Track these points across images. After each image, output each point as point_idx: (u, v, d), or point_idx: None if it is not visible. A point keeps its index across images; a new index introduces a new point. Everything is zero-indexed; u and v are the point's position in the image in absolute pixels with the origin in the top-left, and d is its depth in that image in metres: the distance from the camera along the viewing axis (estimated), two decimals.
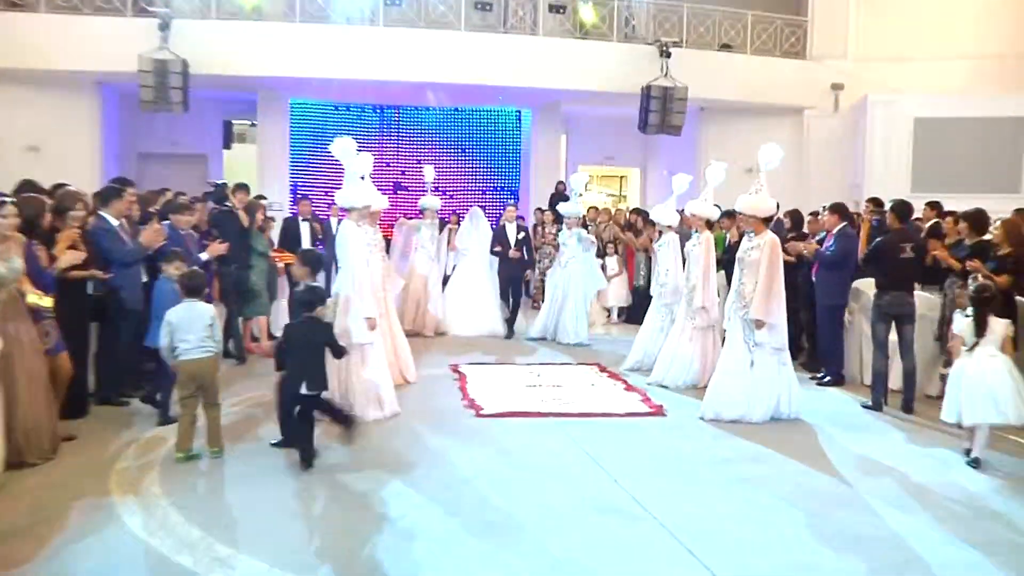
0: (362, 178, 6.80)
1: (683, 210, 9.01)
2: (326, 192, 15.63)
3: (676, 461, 5.78)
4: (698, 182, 9.35)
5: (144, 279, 6.95)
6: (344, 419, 5.56)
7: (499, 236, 11.09)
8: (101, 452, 5.60)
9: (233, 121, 18.13)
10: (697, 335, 8.13)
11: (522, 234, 11.12)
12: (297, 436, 5.40)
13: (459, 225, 11.88)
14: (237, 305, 8.77)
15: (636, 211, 14.02)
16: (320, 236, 10.86)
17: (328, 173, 16.71)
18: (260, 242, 9.20)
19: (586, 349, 10.14)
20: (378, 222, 8.20)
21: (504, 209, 11.65)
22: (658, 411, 7.12)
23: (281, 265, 9.74)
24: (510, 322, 11.01)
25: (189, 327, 5.50)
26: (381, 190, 8.76)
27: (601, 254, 12.03)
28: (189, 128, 15.86)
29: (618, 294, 12.70)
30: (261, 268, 9.17)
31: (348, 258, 6.49)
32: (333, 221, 11.18)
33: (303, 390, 5.34)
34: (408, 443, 6.02)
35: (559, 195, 15.05)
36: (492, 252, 11.11)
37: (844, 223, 8.39)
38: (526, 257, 11.14)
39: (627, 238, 12.92)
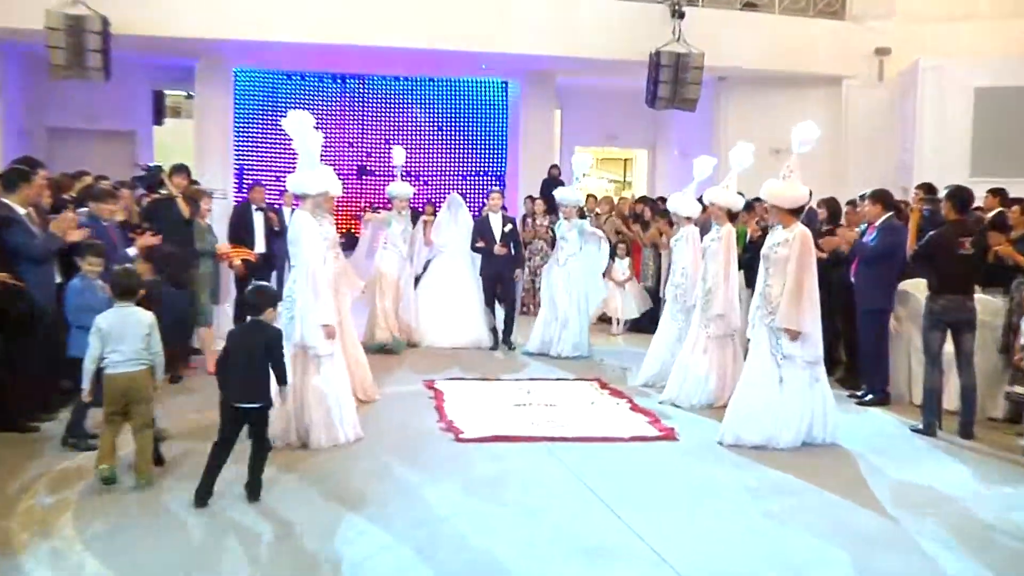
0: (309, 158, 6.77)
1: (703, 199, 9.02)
2: (277, 177, 15.63)
3: (689, 493, 5.80)
4: (719, 166, 9.38)
5: (58, 279, 6.93)
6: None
7: (481, 229, 11.05)
8: (2, 488, 5.55)
9: (166, 92, 18.10)
10: (713, 346, 8.17)
11: (509, 226, 11.09)
12: (212, 467, 5.35)
13: (435, 216, 11.87)
14: None
15: (643, 200, 14.08)
16: (276, 228, 10.85)
17: (279, 154, 16.72)
18: (205, 237, 9.15)
19: (585, 362, 10.18)
20: (333, 212, 8.17)
21: (488, 197, 11.63)
22: (669, 435, 7.15)
23: (239, 262, 9.70)
24: (502, 331, 10.94)
25: (122, 336, 5.49)
26: (343, 176, 8.75)
27: (611, 255, 11.96)
28: (112, 100, 15.80)
29: (631, 304, 12.57)
30: (206, 269, 9.13)
31: (303, 254, 6.50)
32: (286, 211, 11.18)
33: (242, 403, 5.34)
34: (373, 473, 6.01)
35: (552, 180, 15.09)
36: (474, 248, 11.05)
37: (889, 213, 8.42)
38: (514, 253, 11.12)
39: (633, 232, 12.94)
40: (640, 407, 8.03)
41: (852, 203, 9.92)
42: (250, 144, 17.28)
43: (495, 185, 16.55)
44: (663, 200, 12.19)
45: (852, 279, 8.53)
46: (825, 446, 6.90)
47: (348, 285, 8.23)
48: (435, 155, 18.50)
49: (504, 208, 11.59)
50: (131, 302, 5.64)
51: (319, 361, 6.53)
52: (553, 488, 5.82)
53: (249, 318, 5.57)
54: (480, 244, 10.99)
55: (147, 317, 5.63)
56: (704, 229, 8.95)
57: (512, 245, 11.05)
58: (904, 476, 6.27)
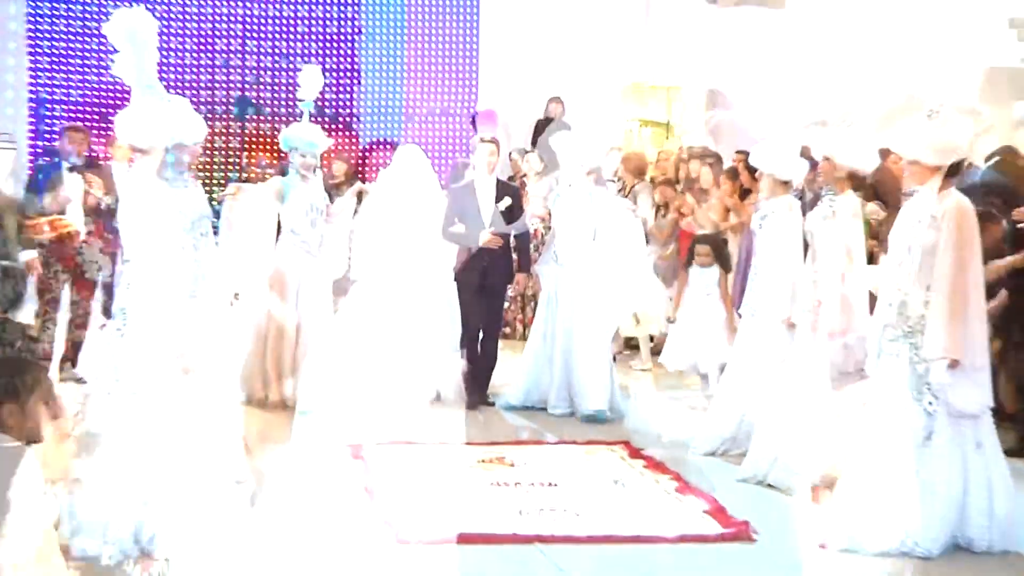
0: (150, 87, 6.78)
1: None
2: (103, 116, 15.59)
3: None
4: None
5: None
6: None
7: (460, 203, 10.79)
8: None
9: None
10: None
11: (507, 201, 10.73)
12: None
13: (361, 181, 11.80)
14: None
15: (697, 153, 14.06)
16: (104, 197, 10.83)
17: (104, 79, 16.64)
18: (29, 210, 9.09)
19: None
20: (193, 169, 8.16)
21: (469, 149, 11.51)
22: (741, 532, 7.15)
23: (34, 256, 9.68)
24: (477, 378, 10.79)
25: None
26: (213, 114, 8.71)
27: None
28: None
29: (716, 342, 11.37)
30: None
31: (139, 239, 6.51)
32: (118, 170, 11.17)
33: None
34: None
35: (551, 123, 15.13)
36: (446, 234, 10.76)
37: None
38: (515, 248, 10.95)
39: (680, 202, 12.89)
40: (694, 487, 8.06)
41: None
42: (54, 61, 17.19)
43: (487, 137, 16.49)
44: (744, 154, 12.08)
45: None
46: (993, 555, 6.81)
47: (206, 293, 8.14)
48: (360, 80, 18.47)
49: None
50: None
51: (166, 412, 6.49)
52: None
53: None
54: (457, 228, 10.74)
55: None
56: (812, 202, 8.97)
57: (513, 234, 10.80)
58: None
